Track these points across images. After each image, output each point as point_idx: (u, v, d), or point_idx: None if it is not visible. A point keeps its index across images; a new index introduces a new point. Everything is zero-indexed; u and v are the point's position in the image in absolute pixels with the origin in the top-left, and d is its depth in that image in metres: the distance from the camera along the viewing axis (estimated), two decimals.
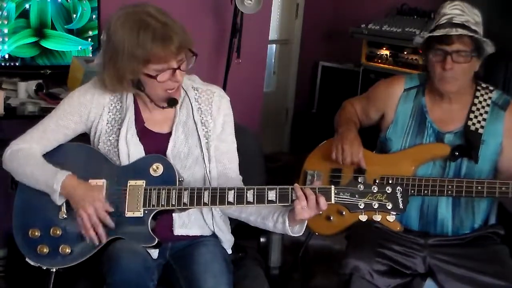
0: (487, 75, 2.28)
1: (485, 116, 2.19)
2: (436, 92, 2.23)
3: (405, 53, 4.19)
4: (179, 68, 1.83)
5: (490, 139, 2.19)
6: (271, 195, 1.79)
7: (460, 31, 2.07)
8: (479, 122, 2.19)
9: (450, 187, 2.12)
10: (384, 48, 4.31)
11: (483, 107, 2.20)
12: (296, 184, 1.78)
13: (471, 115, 2.20)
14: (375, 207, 1.74)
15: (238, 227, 2.10)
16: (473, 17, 2.12)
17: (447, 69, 2.10)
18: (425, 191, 2.15)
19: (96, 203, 1.84)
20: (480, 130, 2.18)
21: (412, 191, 2.15)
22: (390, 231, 2.19)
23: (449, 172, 2.21)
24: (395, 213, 1.74)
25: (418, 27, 4.10)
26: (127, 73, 1.82)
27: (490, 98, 2.21)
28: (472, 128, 2.19)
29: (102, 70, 1.89)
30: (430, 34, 2.12)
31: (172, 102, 1.90)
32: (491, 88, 2.25)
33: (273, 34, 4.95)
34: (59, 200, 1.88)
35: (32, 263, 1.92)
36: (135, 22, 1.78)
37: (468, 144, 2.18)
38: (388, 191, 1.74)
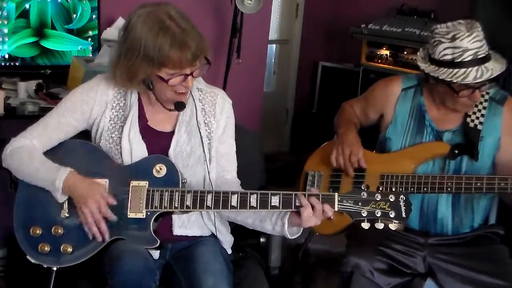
0: None
1: (483, 112, 2.20)
2: (432, 93, 2.23)
3: (405, 53, 4.19)
4: (191, 74, 1.83)
5: (489, 135, 2.19)
6: (275, 200, 1.79)
7: (490, 71, 2.05)
8: (477, 118, 2.20)
9: (449, 183, 2.12)
10: (384, 48, 4.31)
11: (481, 103, 2.20)
12: (300, 192, 1.79)
13: (469, 112, 2.20)
14: (378, 215, 1.75)
15: (238, 227, 2.10)
16: (483, 35, 2.10)
17: (476, 101, 2.14)
18: (425, 189, 2.15)
19: (98, 199, 1.84)
20: (479, 127, 2.18)
21: (412, 189, 2.15)
22: (391, 230, 2.19)
23: (449, 170, 2.21)
24: (397, 221, 1.74)
25: (418, 27, 4.10)
26: (140, 72, 1.82)
27: (487, 93, 2.21)
28: (471, 125, 2.19)
29: (114, 64, 1.88)
30: (469, 82, 2.05)
31: (179, 106, 1.90)
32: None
33: (273, 34, 4.95)
34: (60, 198, 1.88)
35: (32, 260, 1.91)
36: (155, 23, 1.77)
37: (468, 141, 2.19)
38: (391, 200, 1.75)
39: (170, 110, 1.91)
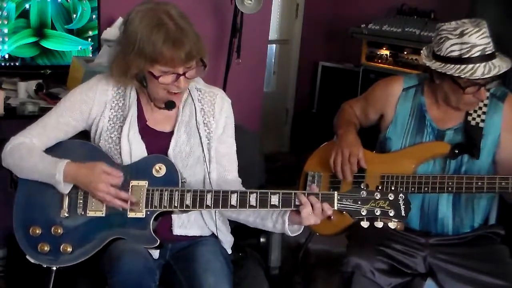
0: None
1: (484, 109, 2.19)
2: (435, 92, 2.23)
3: (405, 53, 4.19)
4: (184, 74, 1.83)
5: (490, 132, 2.19)
6: (274, 199, 1.80)
7: (498, 67, 2.05)
8: (479, 116, 2.19)
9: (450, 183, 2.12)
10: (384, 48, 4.31)
11: (482, 100, 2.20)
12: (299, 191, 1.79)
13: (471, 110, 2.20)
14: (377, 214, 1.75)
15: (238, 227, 2.10)
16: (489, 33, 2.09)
17: (483, 99, 2.13)
18: (425, 188, 2.15)
19: (104, 178, 1.83)
20: (481, 124, 2.18)
21: (413, 189, 2.15)
22: (391, 229, 2.19)
23: (450, 169, 2.21)
24: (396, 220, 1.75)
25: (418, 27, 4.10)
26: (133, 67, 1.83)
27: (488, 90, 2.21)
28: (473, 122, 2.19)
29: (112, 59, 1.89)
30: (477, 78, 2.03)
31: (169, 105, 1.90)
32: None
33: (273, 34, 4.95)
34: (65, 189, 1.88)
35: (32, 260, 1.92)
36: (153, 19, 1.79)
37: (469, 139, 2.18)
38: (390, 198, 1.75)
39: (160, 108, 1.92)
